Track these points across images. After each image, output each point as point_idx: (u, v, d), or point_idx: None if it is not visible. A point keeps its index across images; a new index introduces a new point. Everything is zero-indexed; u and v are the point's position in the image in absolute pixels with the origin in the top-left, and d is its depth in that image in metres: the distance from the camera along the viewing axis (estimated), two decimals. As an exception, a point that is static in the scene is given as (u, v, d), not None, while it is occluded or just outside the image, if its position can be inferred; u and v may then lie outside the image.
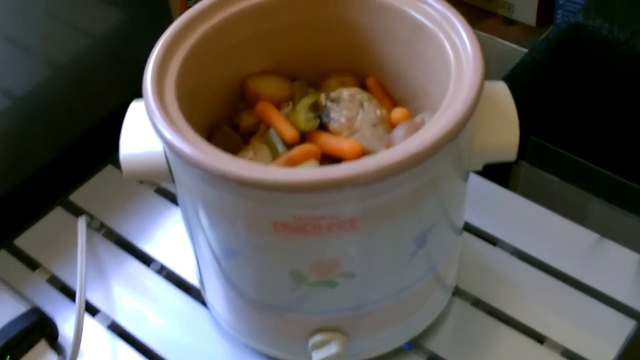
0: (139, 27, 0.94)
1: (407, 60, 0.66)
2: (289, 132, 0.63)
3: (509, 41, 1.29)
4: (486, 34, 1.18)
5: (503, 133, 0.61)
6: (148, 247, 0.78)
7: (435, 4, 0.61)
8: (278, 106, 0.67)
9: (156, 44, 0.61)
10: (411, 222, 0.58)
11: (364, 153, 0.63)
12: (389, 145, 0.62)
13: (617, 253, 0.75)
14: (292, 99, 0.68)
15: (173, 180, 0.62)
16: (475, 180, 0.80)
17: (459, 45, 0.58)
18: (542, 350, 0.69)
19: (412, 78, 0.67)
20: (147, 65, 0.60)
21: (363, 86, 0.70)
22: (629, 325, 0.70)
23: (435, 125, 0.54)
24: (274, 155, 0.63)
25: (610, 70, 0.84)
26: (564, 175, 0.97)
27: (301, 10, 0.66)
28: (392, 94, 0.70)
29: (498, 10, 1.27)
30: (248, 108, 0.68)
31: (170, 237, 0.79)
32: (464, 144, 0.58)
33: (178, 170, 0.59)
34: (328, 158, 0.63)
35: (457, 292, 0.73)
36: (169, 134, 0.55)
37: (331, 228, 0.55)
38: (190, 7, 1.14)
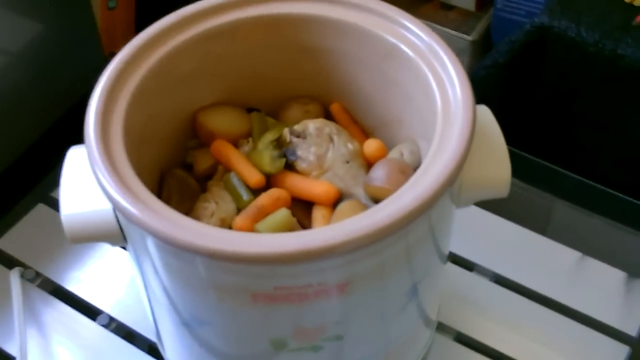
0: (61, 41, 0.84)
1: (378, 87, 0.60)
2: (254, 178, 0.56)
3: (448, 27, 1.25)
4: (423, 21, 1.13)
5: (492, 167, 0.55)
6: (92, 298, 0.70)
7: (420, 32, 0.54)
8: (235, 144, 0.60)
9: (97, 84, 0.53)
10: (404, 276, 0.52)
11: (338, 195, 0.56)
12: (366, 185, 0.56)
13: (601, 272, 0.71)
14: (251, 135, 0.60)
15: (126, 241, 0.54)
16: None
17: (445, 81, 0.52)
18: (534, 386, 0.65)
19: (383, 105, 0.60)
20: (88, 109, 0.52)
21: (327, 113, 0.63)
22: (622, 352, 0.66)
23: (426, 177, 0.47)
24: (238, 203, 0.56)
25: (579, 72, 0.79)
26: (528, 179, 0.92)
27: (257, 35, 0.59)
28: (359, 121, 0.63)
29: (435, -5, 1.23)
30: (200, 146, 0.61)
31: (118, 284, 0.71)
32: (455, 189, 0.52)
33: (135, 237, 0.51)
34: (298, 201, 0.57)
35: (439, 327, 0.67)
36: (124, 201, 0.47)
37: (318, 295, 0.48)
38: (111, 7, 1.06)
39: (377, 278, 0.50)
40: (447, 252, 0.59)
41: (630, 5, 0.82)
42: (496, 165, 0.55)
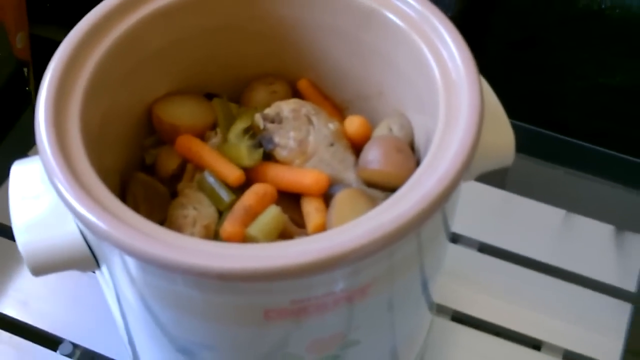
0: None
1: (354, 57, 0.54)
2: (233, 174, 0.50)
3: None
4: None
5: (497, 135, 0.50)
6: (52, 326, 0.62)
7: (413, 2, 0.48)
8: (201, 137, 0.53)
9: (43, 79, 0.46)
10: (418, 268, 0.47)
11: (331, 183, 0.50)
12: (360, 169, 0.50)
13: (588, 228, 0.68)
14: (217, 125, 0.54)
15: (99, 266, 0.47)
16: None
17: (444, 55, 0.46)
18: (540, 357, 0.61)
19: (360, 77, 0.54)
20: (37, 108, 0.45)
21: (294, 91, 0.57)
22: (624, 309, 0.63)
23: (444, 158, 0.42)
24: (219, 205, 0.49)
25: (532, 19, 0.76)
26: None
27: (213, 12, 0.52)
28: (331, 96, 0.57)
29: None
30: (159, 144, 0.54)
31: (80, 306, 0.63)
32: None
33: (112, 261, 0.44)
34: (283, 194, 0.50)
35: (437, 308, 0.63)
36: (102, 223, 0.40)
37: (338, 303, 0.42)
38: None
39: (394, 275, 0.44)
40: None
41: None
42: (500, 134, 0.50)
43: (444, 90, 0.46)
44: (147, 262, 0.39)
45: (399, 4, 0.49)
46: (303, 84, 0.57)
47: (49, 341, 0.62)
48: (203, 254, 0.39)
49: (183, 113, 0.53)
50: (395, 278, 0.45)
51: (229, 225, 0.47)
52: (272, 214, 0.48)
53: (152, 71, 0.52)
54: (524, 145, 0.86)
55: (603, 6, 0.72)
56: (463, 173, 0.42)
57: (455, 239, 0.67)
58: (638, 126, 0.79)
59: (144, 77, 0.51)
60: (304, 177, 0.50)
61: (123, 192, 0.52)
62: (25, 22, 0.97)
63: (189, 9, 0.51)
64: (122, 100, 0.50)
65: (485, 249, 0.67)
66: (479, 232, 0.67)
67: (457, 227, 0.67)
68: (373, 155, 0.50)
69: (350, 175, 0.51)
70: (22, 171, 0.48)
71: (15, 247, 0.46)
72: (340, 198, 0.48)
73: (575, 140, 0.80)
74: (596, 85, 0.78)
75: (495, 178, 0.76)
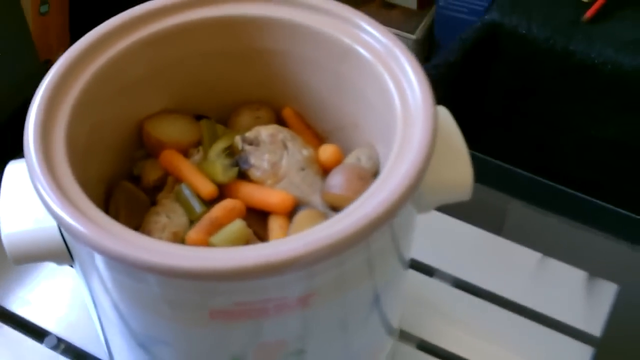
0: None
1: (333, 90, 0.57)
2: (206, 188, 0.54)
3: (391, 26, 1.23)
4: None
5: (454, 170, 0.53)
6: (38, 319, 0.67)
7: (376, 34, 0.52)
8: (185, 153, 0.57)
9: (36, 93, 0.50)
10: (366, 286, 0.50)
11: (295, 204, 0.54)
12: (324, 192, 0.54)
13: (562, 272, 0.70)
14: (201, 144, 0.58)
15: (73, 260, 0.51)
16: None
17: (403, 83, 0.50)
18: (499, 392, 0.63)
19: (338, 109, 0.58)
20: (27, 119, 0.49)
21: (279, 119, 0.61)
22: (586, 353, 0.65)
23: (389, 183, 0.46)
24: (191, 215, 0.53)
25: (531, 69, 0.78)
26: (482, 179, 0.91)
27: (206, 38, 0.56)
28: (313, 126, 0.61)
29: (376, -6, 1.23)
30: (147, 157, 0.58)
31: (65, 303, 0.68)
32: (417, 194, 0.50)
33: (82, 256, 0.48)
34: (253, 211, 0.54)
35: (402, 335, 0.66)
36: (68, 217, 0.44)
37: (279, 309, 0.46)
38: (43, 13, 1.02)
39: (340, 289, 0.48)
40: (408, 259, 0.57)
41: (579, 0, 0.81)
42: (458, 168, 0.53)
43: (402, 122, 0.49)
44: (100, 253, 0.43)
45: (369, 39, 0.53)
46: (287, 113, 0.61)
47: (36, 333, 0.66)
48: (153, 251, 0.42)
49: (171, 130, 0.58)
50: (340, 293, 0.48)
51: (194, 233, 0.51)
52: (237, 226, 0.51)
53: (142, 92, 0.56)
54: (521, 192, 0.89)
55: (596, 61, 0.74)
56: (407, 198, 0.45)
57: (430, 272, 0.70)
58: (629, 180, 0.81)
59: (134, 97, 0.56)
60: (271, 196, 0.54)
61: (108, 199, 0.56)
62: (67, 40, 1.04)
63: (180, 36, 0.55)
64: (110, 117, 0.54)
65: (460, 285, 0.69)
66: (455, 267, 0.70)
67: (433, 261, 0.70)
68: (336, 181, 0.53)
69: (316, 199, 0.55)
70: (15, 170, 0.53)
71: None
72: (300, 216, 0.52)
73: (566, 189, 0.83)
74: (589, 137, 0.81)
75: (494, 223, 0.79)
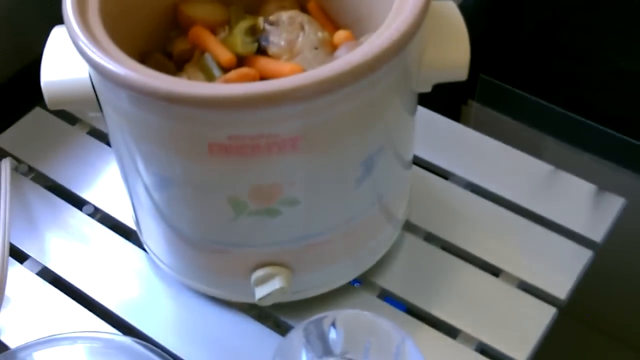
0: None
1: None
2: (225, 56, 0.59)
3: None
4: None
5: (453, 50, 0.57)
6: (80, 190, 0.74)
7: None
8: (214, 31, 0.63)
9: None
10: (356, 143, 0.54)
11: (305, 76, 0.59)
12: (331, 66, 0.58)
13: (572, 184, 0.72)
14: (229, 24, 0.63)
15: (100, 109, 0.57)
16: (426, 115, 0.77)
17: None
18: (498, 283, 0.66)
19: (357, 1, 0.63)
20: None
21: (304, 11, 0.66)
22: (585, 255, 0.67)
23: (379, 38, 0.50)
24: (209, 79, 0.59)
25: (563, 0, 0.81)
26: (516, 115, 0.94)
27: None
28: (335, 19, 0.66)
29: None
30: (181, 35, 0.64)
31: (104, 179, 0.74)
32: (411, 60, 0.55)
33: (105, 95, 0.54)
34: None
35: (409, 228, 0.70)
36: (92, 51, 0.50)
37: (271, 148, 0.51)
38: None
39: (330, 137, 0.52)
40: (405, 145, 0.61)
41: None
42: (456, 48, 0.57)
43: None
44: (114, 80, 0.49)
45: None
46: (311, 5, 0.65)
47: (76, 201, 0.73)
48: (159, 79, 0.48)
49: (201, 10, 0.63)
50: (328, 144, 0.52)
51: (207, 87, 0.56)
52: (247, 88, 0.56)
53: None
54: (553, 128, 0.92)
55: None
56: (398, 48, 0.50)
57: (446, 176, 0.74)
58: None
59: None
60: (284, 67, 0.59)
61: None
62: None
63: None
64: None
65: (473, 188, 0.73)
66: (470, 173, 0.73)
67: (448, 165, 0.74)
68: (341, 53, 0.58)
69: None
70: (59, 33, 0.60)
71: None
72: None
73: (596, 125, 0.85)
74: (619, 70, 0.82)
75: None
